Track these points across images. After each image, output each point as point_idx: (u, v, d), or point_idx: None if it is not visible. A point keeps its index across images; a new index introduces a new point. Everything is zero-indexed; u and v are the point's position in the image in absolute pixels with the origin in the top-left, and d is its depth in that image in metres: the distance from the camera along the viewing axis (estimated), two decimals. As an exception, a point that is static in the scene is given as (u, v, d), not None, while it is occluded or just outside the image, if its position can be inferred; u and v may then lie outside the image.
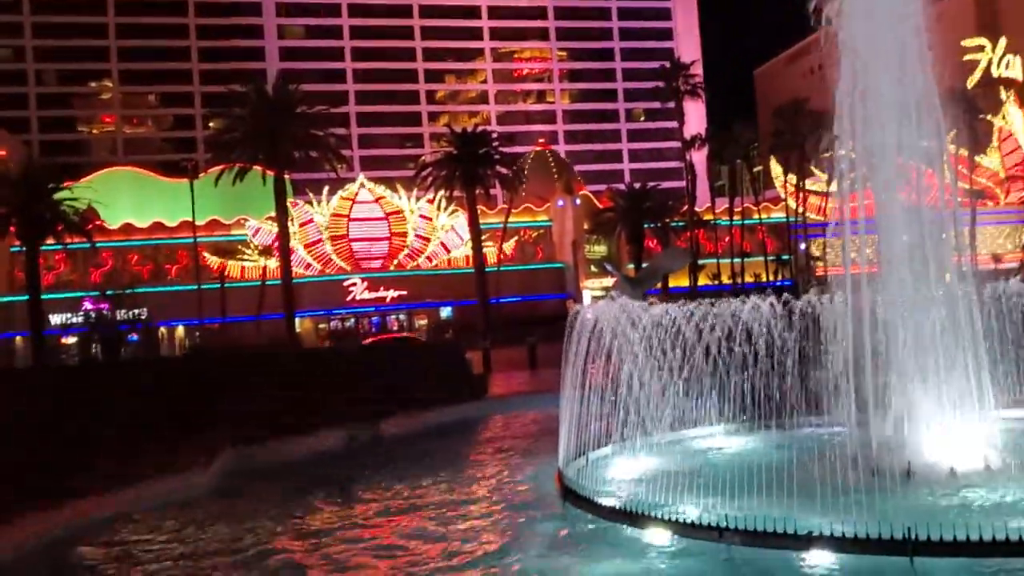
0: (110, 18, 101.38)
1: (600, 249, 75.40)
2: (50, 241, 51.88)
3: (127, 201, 66.76)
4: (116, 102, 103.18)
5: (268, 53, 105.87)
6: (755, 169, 77.62)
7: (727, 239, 72.58)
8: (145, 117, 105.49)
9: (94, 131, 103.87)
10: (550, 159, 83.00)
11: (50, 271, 61.60)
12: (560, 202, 74.96)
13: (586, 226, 74.19)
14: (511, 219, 69.42)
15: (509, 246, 71.60)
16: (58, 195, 51.31)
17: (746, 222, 73.26)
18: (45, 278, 56.51)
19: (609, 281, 70.05)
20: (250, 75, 73.63)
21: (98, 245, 55.57)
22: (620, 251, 74.41)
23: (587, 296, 71.01)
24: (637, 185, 73.85)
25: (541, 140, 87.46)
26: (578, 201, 74.99)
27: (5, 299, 60.89)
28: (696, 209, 72.66)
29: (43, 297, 51.83)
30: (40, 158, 79.25)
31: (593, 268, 73.32)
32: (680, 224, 72.22)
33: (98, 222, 55.86)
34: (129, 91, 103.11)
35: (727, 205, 73.91)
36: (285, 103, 53.53)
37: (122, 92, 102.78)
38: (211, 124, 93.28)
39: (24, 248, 51.54)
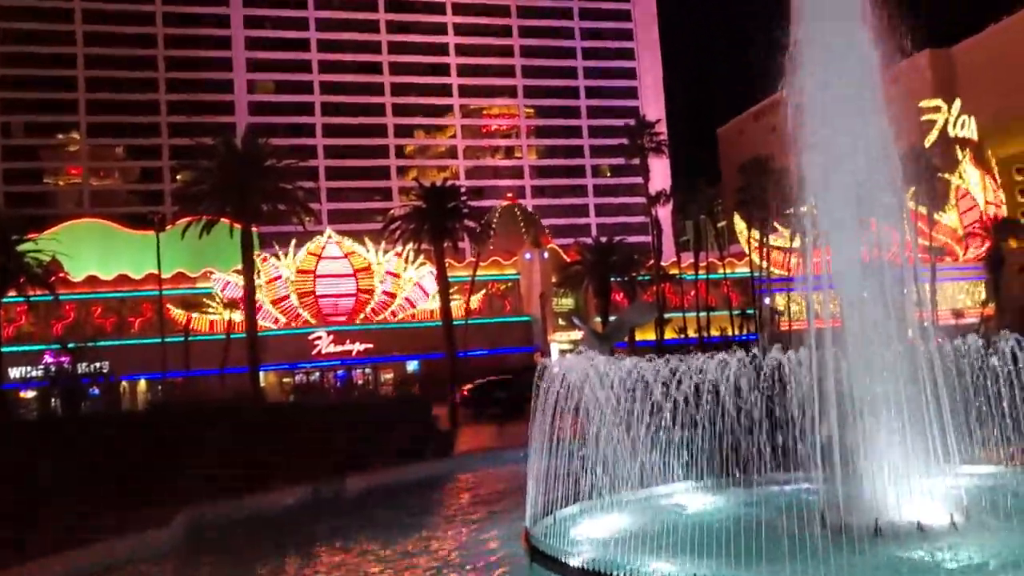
0: (79, 71, 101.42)
1: (568, 302, 75.67)
2: (12, 293, 51.00)
3: (92, 253, 66.01)
4: (84, 154, 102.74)
5: (238, 107, 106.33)
6: (719, 224, 78.82)
7: (693, 293, 73.29)
8: (112, 169, 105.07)
9: (61, 183, 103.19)
10: (518, 213, 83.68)
11: (11, 323, 60.44)
12: (528, 255, 75.37)
13: (554, 279, 74.53)
14: (479, 272, 69.55)
15: (477, 299, 71.64)
16: (22, 247, 50.61)
17: (711, 276, 74.11)
18: (5, 330, 55.43)
19: (577, 334, 70.28)
20: (220, 128, 73.77)
21: (61, 298, 54.75)
22: (587, 304, 74.69)
23: (555, 349, 71.04)
24: (604, 239, 74.48)
25: (509, 194, 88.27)
26: (546, 255, 75.46)
27: (-39, 353, 59.54)
28: (662, 263, 73.39)
29: (2, 350, 50.80)
30: (6, 209, 78.39)
31: (561, 321, 73.47)
32: (646, 278, 72.80)
33: (62, 274, 55.10)
34: (97, 143, 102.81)
35: (692, 260, 74.78)
36: (254, 156, 53.49)
37: (90, 144, 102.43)
38: (179, 177, 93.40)
39: (-16, 301, 50.65)
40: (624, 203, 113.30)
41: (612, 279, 70.61)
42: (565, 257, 76.30)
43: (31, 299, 52.73)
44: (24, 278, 50.48)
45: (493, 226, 71.69)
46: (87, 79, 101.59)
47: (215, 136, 57.28)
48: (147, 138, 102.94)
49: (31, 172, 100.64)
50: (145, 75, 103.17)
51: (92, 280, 64.93)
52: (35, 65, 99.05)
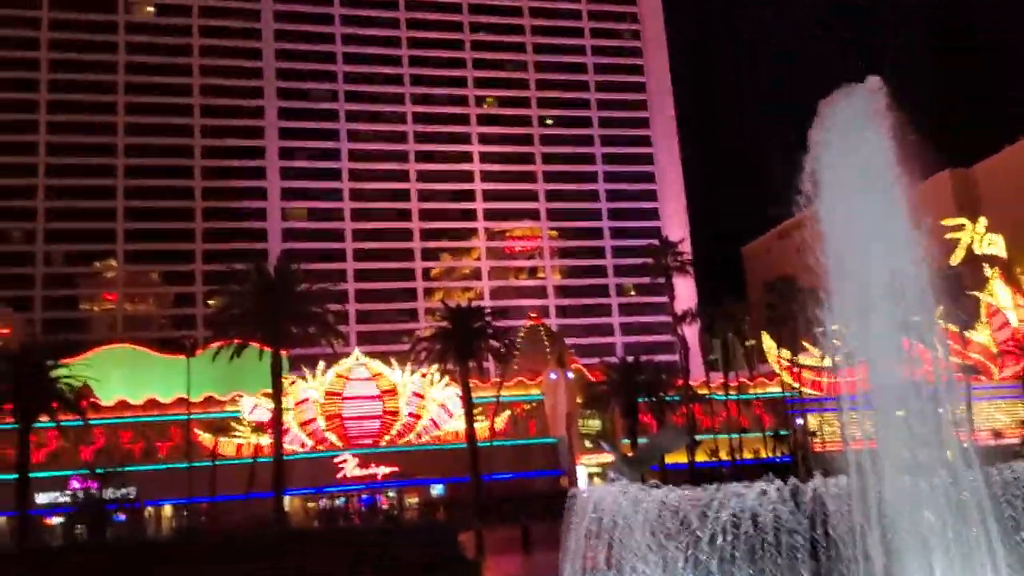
0: (119, 201, 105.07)
1: (594, 423, 74.83)
2: (44, 418, 51.43)
3: (122, 378, 66.69)
4: (119, 281, 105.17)
5: (271, 234, 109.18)
6: (748, 343, 78.42)
7: (723, 414, 72.28)
8: (147, 295, 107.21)
9: (95, 309, 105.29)
10: (542, 333, 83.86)
11: (41, 448, 60.64)
12: (553, 375, 75.07)
13: (579, 400, 73.95)
14: (504, 393, 69.29)
15: (501, 420, 71.11)
16: (55, 372, 51.38)
17: (742, 397, 73.22)
18: (35, 455, 55.59)
19: (604, 457, 69.18)
20: (253, 254, 75.50)
21: (91, 423, 55.07)
22: (615, 426, 73.81)
23: (582, 473, 69.79)
24: (630, 359, 74.31)
25: (533, 314, 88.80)
26: (571, 375, 75.10)
27: (-9, 478, 59.62)
28: (691, 383, 72.78)
29: (30, 476, 50.83)
30: (42, 335, 79.91)
31: (587, 444, 72.47)
32: (675, 398, 72.09)
33: (92, 399, 55.54)
34: (133, 270, 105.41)
35: (722, 379, 74.11)
36: (285, 282, 54.66)
37: (126, 271, 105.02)
38: (212, 302, 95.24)
39: (16, 425, 51.01)
40: (649, 322, 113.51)
41: (639, 399, 70.01)
42: (590, 377, 75.92)
43: (62, 424, 53.12)
44: (56, 403, 51.04)
45: (518, 346, 71.89)
46: (126, 208, 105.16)
47: (248, 262, 58.61)
48: (182, 264, 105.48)
49: (68, 299, 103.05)
50: (182, 204, 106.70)
51: (122, 405, 65.34)
52: (77, 197, 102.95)
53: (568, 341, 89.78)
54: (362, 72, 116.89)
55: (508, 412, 72.73)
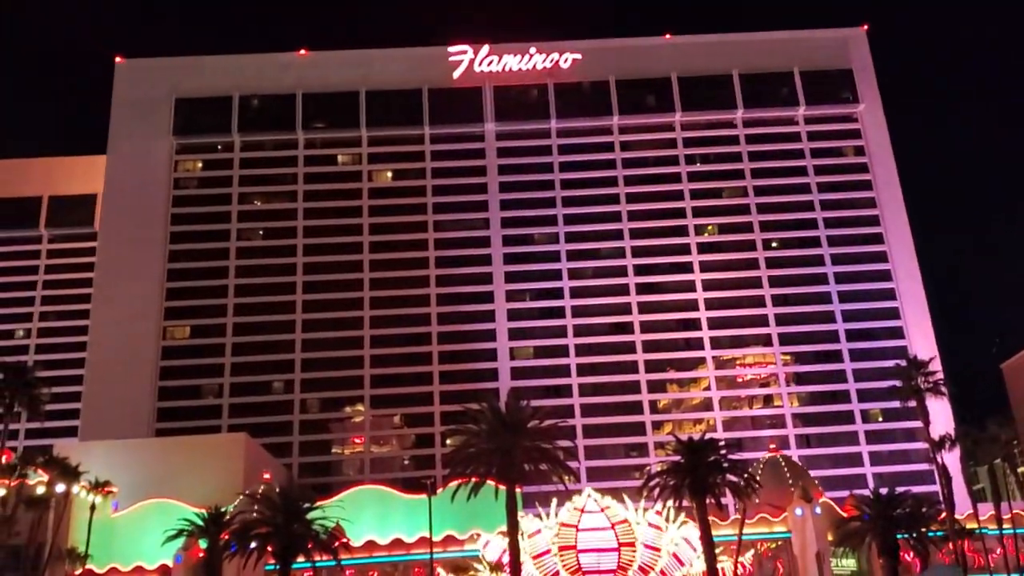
0: (365, 351, 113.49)
1: (849, 563, 69.10)
2: (300, 558, 54.67)
3: (370, 517, 70.07)
4: (366, 424, 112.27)
5: (500, 373, 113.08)
6: (1020, 470, 70.31)
7: (999, 551, 64.48)
8: (390, 437, 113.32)
9: (345, 452, 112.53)
10: (783, 465, 79.59)
11: (297, 588, 64.28)
12: (799, 511, 70.60)
13: (830, 537, 68.77)
14: (746, 530, 65.94)
15: (746, 560, 67.35)
16: (310, 515, 54.87)
17: (1018, 531, 65.14)
18: (292, 595, 58.89)
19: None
20: (484, 394, 78.20)
21: (343, 563, 57.86)
22: (872, 565, 67.77)
23: (840, 617, 64.35)
24: (884, 491, 68.54)
25: (772, 445, 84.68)
26: (818, 510, 70.29)
27: (256, 616, 63.85)
28: (956, 516, 65.86)
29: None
30: (298, 478, 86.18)
31: (844, 585, 66.90)
32: (939, 534, 65.33)
33: (344, 539, 58.48)
34: (378, 414, 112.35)
35: (993, 511, 66.51)
36: (517, 420, 55.85)
37: (372, 415, 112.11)
38: (449, 441, 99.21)
39: (278, 567, 54.58)
40: (901, 449, 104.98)
41: (899, 536, 64.09)
42: (841, 512, 70.70)
43: (316, 564, 56.12)
44: (312, 544, 54.26)
45: (757, 480, 68.40)
46: (371, 356, 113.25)
47: (480, 401, 60.64)
48: (421, 407, 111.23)
49: (321, 443, 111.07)
50: (420, 350, 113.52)
51: (370, 545, 68.38)
52: (328, 348, 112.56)
53: (812, 473, 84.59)
54: (581, 213, 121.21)
55: (752, 551, 69.04)
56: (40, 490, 64.69)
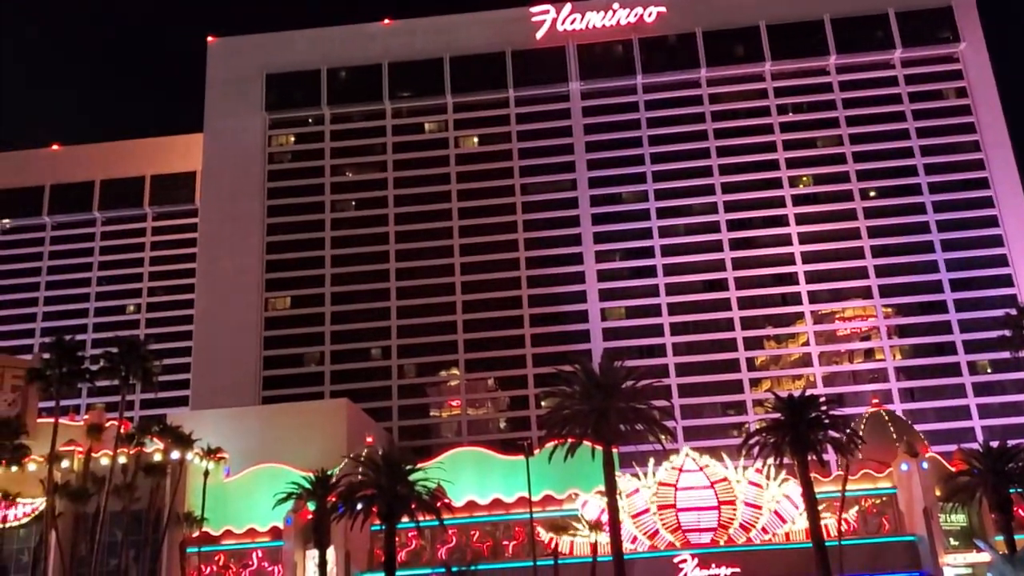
0: (458, 316, 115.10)
1: (958, 518, 67.08)
2: (404, 519, 56.30)
3: (470, 478, 71.43)
4: (462, 388, 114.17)
5: (592, 335, 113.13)
6: None
7: (1123, 504, 61.66)
8: (485, 400, 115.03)
9: (442, 415, 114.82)
10: (887, 419, 77.45)
11: (402, 548, 66.38)
12: (904, 466, 68.84)
13: (938, 492, 66.89)
14: (849, 486, 64.75)
15: (850, 516, 66.25)
16: (412, 476, 56.37)
17: None
18: (398, 554, 60.87)
19: (976, 556, 61.69)
20: (577, 356, 78.46)
21: (445, 522, 59.33)
22: (983, 520, 65.71)
23: (949, 574, 62.76)
24: (995, 444, 66.16)
25: (875, 400, 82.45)
26: (925, 464, 68.34)
27: (365, 575, 66.35)
28: (1074, 470, 63.09)
29: (397, 574, 55.58)
30: (398, 442, 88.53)
31: (952, 541, 65.09)
32: (1056, 488, 62.78)
33: (446, 500, 59.93)
34: (472, 378, 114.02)
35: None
36: (611, 380, 56.01)
37: (467, 379, 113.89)
38: (543, 403, 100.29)
39: (383, 527, 56.38)
40: (1012, 401, 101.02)
41: (1012, 491, 61.90)
42: (949, 467, 68.62)
43: (420, 524, 57.75)
44: (415, 504, 55.81)
45: (860, 435, 66.85)
46: (464, 322, 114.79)
47: (573, 363, 60.94)
48: (515, 370, 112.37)
49: (419, 407, 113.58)
50: (512, 313, 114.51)
51: (471, 505, 69.81)
52: (423, 314, 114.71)
53: (917, 427, 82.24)
54: (670, 169, 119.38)
55: (856, 507, 67.92)
56: (157, 457, 68.22)
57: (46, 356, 68.50)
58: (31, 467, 67.37)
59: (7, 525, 66.06)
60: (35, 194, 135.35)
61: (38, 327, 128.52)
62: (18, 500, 66.28)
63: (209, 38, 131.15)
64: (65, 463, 68.00)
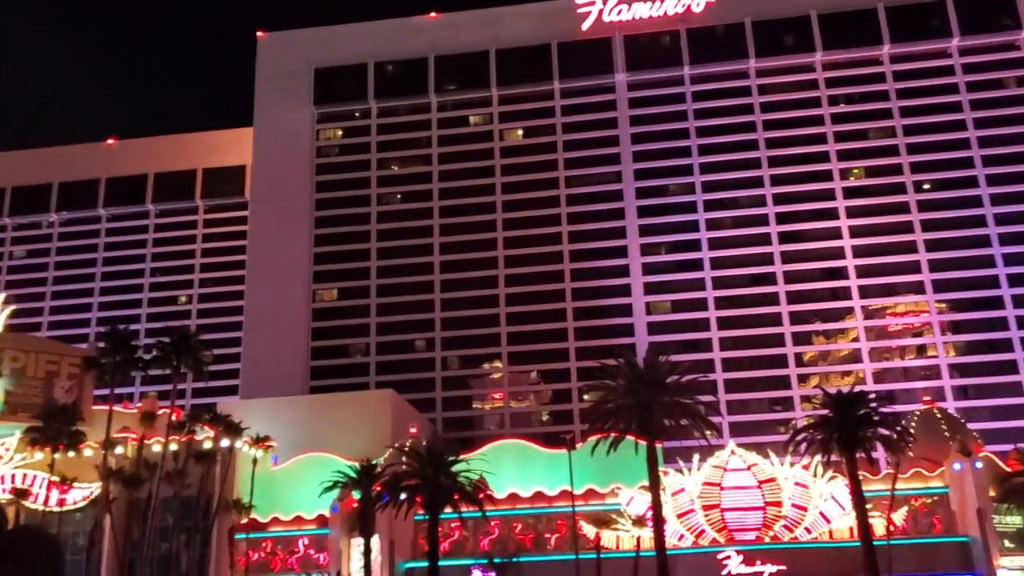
0: (501, 309, 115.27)
1: (1014, 520, 65.51)
2: (447, 509, 56.66)
3: (512, 471, 71.66)
4: (504, 381, 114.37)
5: (637, 329, 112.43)
6: None
7: None
8: (528, 393, 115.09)
9: (485, 407, 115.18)
10: (939, 417, 75.92)
11: (445, 538, 66.82)
12: (957, 465, 67.40)
13: (992, 493, 65.38)
14: (899, 485, 63.60)
15: (899, 516, 65.09)
16: (455, 467, 56.67)
17: None
18: (441, 545, 61.29)
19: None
20: (620, 350, 78.05)
21: (488, 514, 59.57)
22: (1040, 523, 64.07)
23: (1003, 576, 61.40)
24: (1051, 445, 64.51)
25: (926, 397, 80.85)
26: (979, 464, 66.86)
27: (407, 565, 66.95)
28: None
29: (440, 564, 55.98)
30: (442, 433, 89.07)
31: (1007, 543, 63.58)
32: (1116, 490, 60.96)
33: (488, 491, 60.16)
34: (515, 370, 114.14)
35: None
36: (655, 374, 55.58)
37: (509, 372, 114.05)
38: (586, 397, 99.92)
39: (427, 517, 56.80)
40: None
41: (1069, 492, 60.29)
42: (1004, 466, 67.05)
43: (463, 515, 58.08)
44: (457, 495, 56.11)
45: (911, 433, 65.59)
46: (508, 315, 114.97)
47: (617, 357, 60.57)
48: (557, 363, 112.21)
49: (462, 399, 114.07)
50: (555, 306, 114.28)
51: (513, 497, 70.03)
52: (465, 307, 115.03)
53: (971, 425, 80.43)
54: (717, 161, 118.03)
55: (906, 507, 66.69)
56: (207, 445, 69.55)
57: (101, 345, 70.15)
58: (87, 452, 69.22)
59: (64, 509, 67.89)
60: (91, 187, 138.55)
61: (93, 317, 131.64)
62: (74, 485, 68.17)
63: (259, 33, 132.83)
64: (119, 449, 69.72)
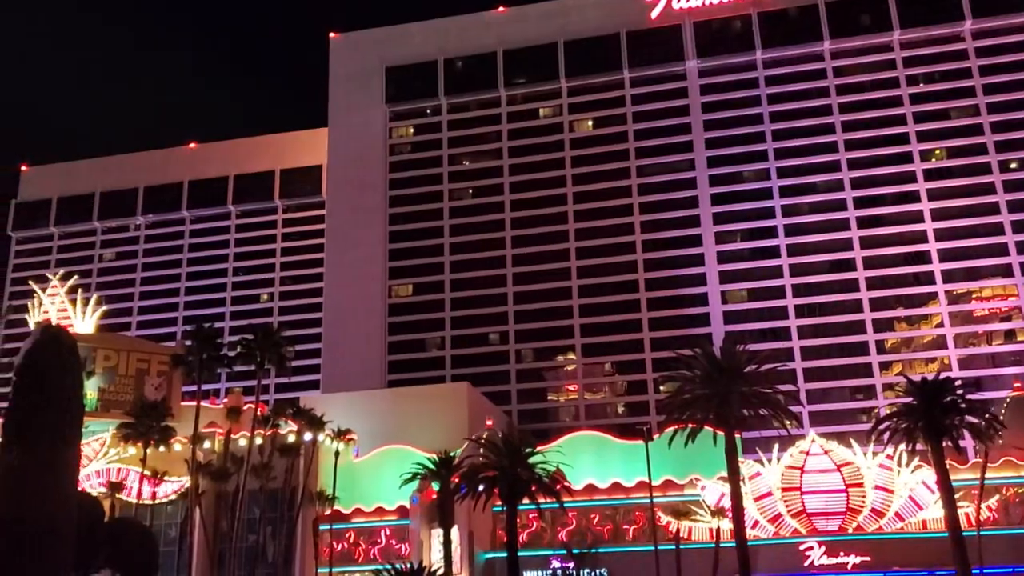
0: (574, 301, 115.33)
1: (1114, 511, 62.98)
2: (525, 501, 57.08)
3: (589, 462, 71.81)
4: (579, 372, 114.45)
5: (713, 318, 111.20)
6: None
7: None
8: (603, 384, 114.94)
9: (560, 399, 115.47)
10: (1031, 405, 73.26)
11: (523, 529, 67.36)
12: (1051, 455, 65.06)
13: (1091, 483, 62.96)
14: (989, 474, 61.66)
15: (991, 505, 63.13)
16: (532, 459, 57.03)
17: None
18: (519, 536, 61.80)
19: None
20: (696, 340, 77.45)
21: (565, 505, 59.86)
22: None
23: (1103, 569, 59.04)
24: None
25: (1017, 384, 78.09)
26: (1076, 453, 64.44)
27: (487, 555, 67.77)
28: None
29: (519, 555, 56.47)
30: (518, 425, 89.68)
31: (1106, 534, 61.12)
32: None
33: (565, 483, 60.42)
34: (589, 362, 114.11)
35: None
36: (733, 364, 54.92)
37: (584, 364, 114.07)
38: (662, 388, 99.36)
39: (505, 508, 57.35)
40: None
41: None
42: (1101, 455, 64.48)
43: (540, 506, 58.43)
44: (535, 487, 56.46)
45: (1000, 420, 63.52)
46: (580, 306, 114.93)
47: (693, 347, 60.06)
48: (632, 354, 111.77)
49: (537, 392, 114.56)
50: (629, 297, 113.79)
51: (590, 488, 70.20)
52: (540, 300, 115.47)
53: (1065, 412, 77.34)
54: (793, 146, 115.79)
55: (997, 496, 64.65)
56: (291, 439, 71.50)
57: (188, 343, 72.49)
58: (176, 447, 71.86)
59: (156, 502, 70.63)
60: (175, 190, 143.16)
61: (180, 316, 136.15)
62: (165, 479, 70.91)
63: (331, 34, 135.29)
64: (207, 444, 72.17)
